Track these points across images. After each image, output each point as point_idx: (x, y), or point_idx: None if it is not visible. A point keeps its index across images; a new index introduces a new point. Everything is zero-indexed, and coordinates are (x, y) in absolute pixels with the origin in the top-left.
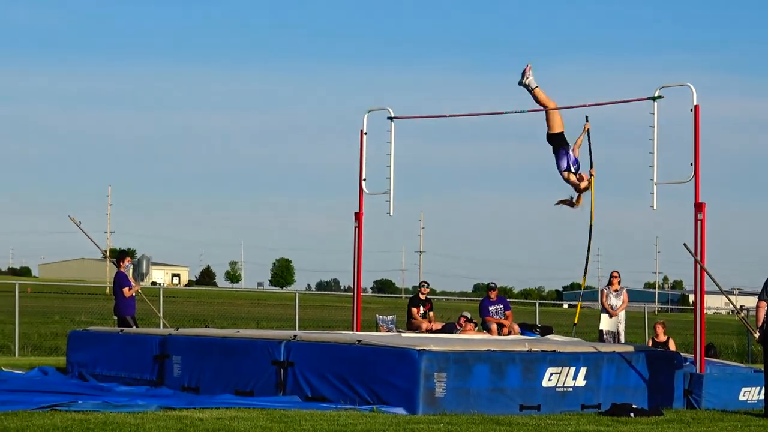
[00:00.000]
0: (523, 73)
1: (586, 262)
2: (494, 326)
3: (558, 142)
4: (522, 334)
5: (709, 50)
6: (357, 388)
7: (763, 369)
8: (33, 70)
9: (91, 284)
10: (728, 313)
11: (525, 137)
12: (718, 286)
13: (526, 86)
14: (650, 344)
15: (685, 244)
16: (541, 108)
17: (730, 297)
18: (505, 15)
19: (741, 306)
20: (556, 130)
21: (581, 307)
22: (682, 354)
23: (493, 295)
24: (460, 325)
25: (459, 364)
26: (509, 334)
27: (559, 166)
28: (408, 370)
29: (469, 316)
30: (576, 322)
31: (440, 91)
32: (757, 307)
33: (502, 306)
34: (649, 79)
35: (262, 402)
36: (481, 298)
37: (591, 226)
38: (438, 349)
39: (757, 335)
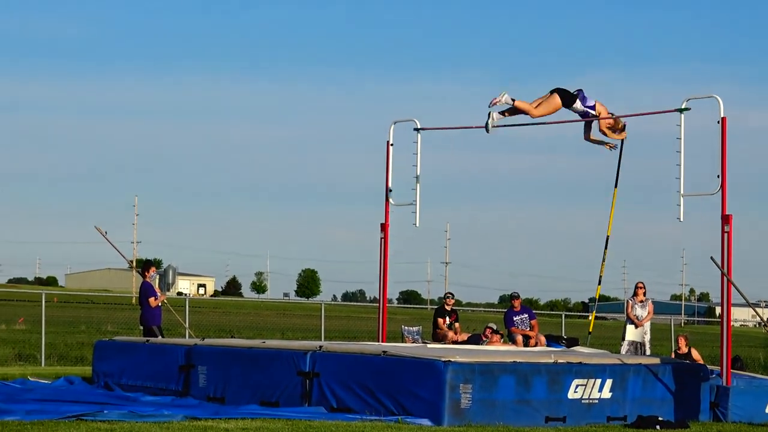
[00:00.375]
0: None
1: (600, 273)
2: (519, 338)
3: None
4: (548, 345)
5: (737, 62)
6: (382, 399)
7: None
8: (58, 81)
9: (117, 294)
10: (755, 325)
11: (552, 149)
12: (744, 298)
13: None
14: (673, 357)
15: (712, 258)
16: (566, 121)
17: (757, 309)
18: (531, 26)
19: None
20: (559, 107)
21: (596, 317)
22: (708, 366)
23: (517, 304)
24: (486, 337)
25: (485, 375)
26: (536, 345)
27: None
28: (434, 381)
29: (495, 328)
30: (591, 330)
31: (467, 102)
32: None
33: (527, 315)
34: (676, 91)
35: (287, 413)
36: (506, 309)
37: (607, 238)
38: (464, 361)
39: None
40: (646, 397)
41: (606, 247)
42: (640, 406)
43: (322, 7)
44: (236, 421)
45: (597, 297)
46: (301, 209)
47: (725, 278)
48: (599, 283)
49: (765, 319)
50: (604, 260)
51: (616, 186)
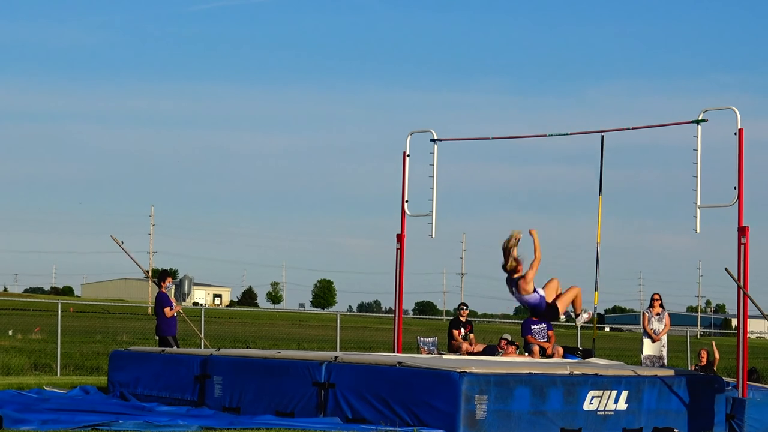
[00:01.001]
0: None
1: (596, 279)
2: (536, 348)
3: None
4: (564, 356)
5: (754, 73)
6: (397, 410)
7: None
8: (75, 90)
9: (133, 304)
10: None
11: (567, 160)
12: (760, 310)
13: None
14: (693, 368)
15: (726, 269)
16: (582, 132)
17: (755, 325)
18: (548, 37)
19: None
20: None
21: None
22: (724, 378)
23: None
24: (502, 348)
25: (500, 386)
26: (552, 355)
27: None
28: (449, 392)
29: (510, 339)
30: (594, 337)
31: (483, 113)
32: None
33: (544, 326)
34: (693, 102)
35: (302, 423)
36: (521, 320)
37: (598, 245)
38: (479, 372)
39: None
40: (662, 409)
41: (598, 254)
42: (656, 418)
43: (341, 16)
44: (251, 431)
45: (596, 304)
46: (317, 220)
47: (741, 290)
48: (596, 289)
49: None
50: (597, 267)
51: (600, 192)
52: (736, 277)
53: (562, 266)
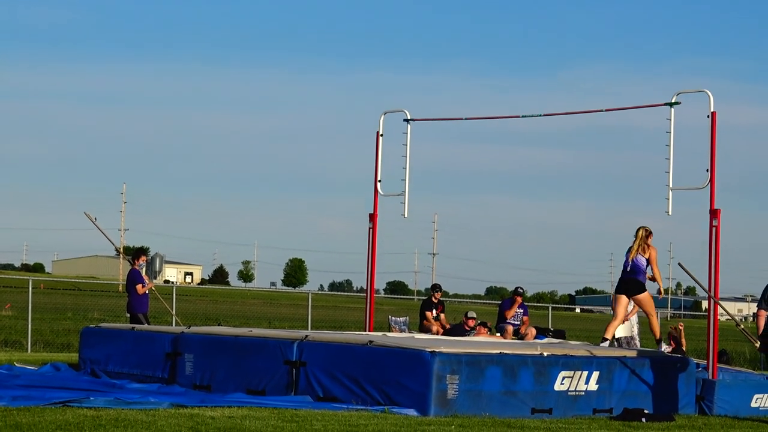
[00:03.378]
0: None
1: None
2: (510, 328)
3: None
4: (536, 337)
5: (727, 57)
6: (368, 389)
7: None
8: (47, 68)
9: (104, 281)
10: (741, 320)
11: (540, 141)
12: (724, 309)
13: None
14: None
15: (680, 264)
16: (555, 113)
17: (726, 306)
18: (523, 18)
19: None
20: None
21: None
22: (694, 360)
23: (519, 300)
24: (468, 326)
25: (471, 366)
26: (525, 336)
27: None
28: (420, 371)
29: (474, 315)
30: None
31: (457, 94)
32: (757, 315)
33: (522, 311)
34: (666, 85)
35: (273, 401)
36: (495, 301)
37: None
38: (451, 351)
39: (758, 344)
40: (633, 390)
41: None
42: (627, 399)
43: None
44: (222, 409)
45: None
46: (290, 198)
47: (704, 283)
48: None
49: (739, 320)
50: None
51: None
52: (689, 272)
53: (535, 248)
